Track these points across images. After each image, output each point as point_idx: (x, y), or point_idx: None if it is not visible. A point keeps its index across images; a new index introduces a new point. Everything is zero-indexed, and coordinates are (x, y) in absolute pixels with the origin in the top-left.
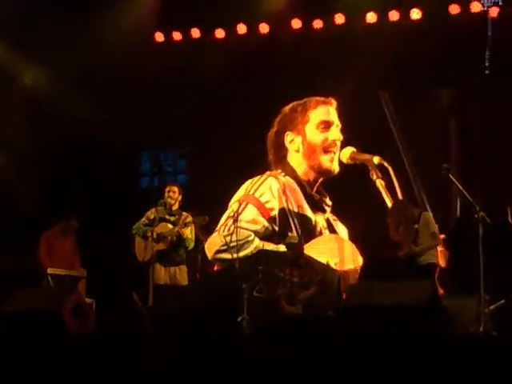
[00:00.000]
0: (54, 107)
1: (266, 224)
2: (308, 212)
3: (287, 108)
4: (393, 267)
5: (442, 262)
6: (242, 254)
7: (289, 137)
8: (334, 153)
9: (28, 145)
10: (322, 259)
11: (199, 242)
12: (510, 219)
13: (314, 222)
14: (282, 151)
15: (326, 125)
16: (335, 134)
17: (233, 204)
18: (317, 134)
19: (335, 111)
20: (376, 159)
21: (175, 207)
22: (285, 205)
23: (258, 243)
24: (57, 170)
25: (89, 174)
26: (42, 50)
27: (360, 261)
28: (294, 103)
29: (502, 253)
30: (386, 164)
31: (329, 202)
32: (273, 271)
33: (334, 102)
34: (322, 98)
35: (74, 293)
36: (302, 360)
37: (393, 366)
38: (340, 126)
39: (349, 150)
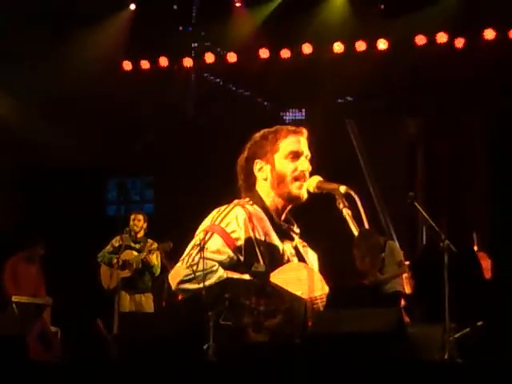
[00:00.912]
0: (19, 135)
1: (232, 254)
2: (275, 241)
3: (258, 135)
4: (358, 295)
5: (408, 289)
6: (206, 283)
7: (258, 165)
8: (304, 181)
9: None
10: (289, 287)
11: (165, 270)
12: (475, 245)
13: (281, 251)
14: (251, 178)
15: (295, 155)
16: (304, 164)
17: (199, 234)
18: (286, 163)
19: (306, 141)
20: (342, 188)
21: (140, 234)
22: (251, 234)
23: (221, 273)
24: (22, 196)
25: (55, 201)
26: (6, 77)
27: (326, 289)
28: (265, 130)
29: (468, 281)
30: (352, 193)
31: (296, 230)
32: (239, 299)
33: (304, 132)
34: (293, 128)
35: (39, 320)
36: None
37: None
38: (309, 156)
39: (315, 179)
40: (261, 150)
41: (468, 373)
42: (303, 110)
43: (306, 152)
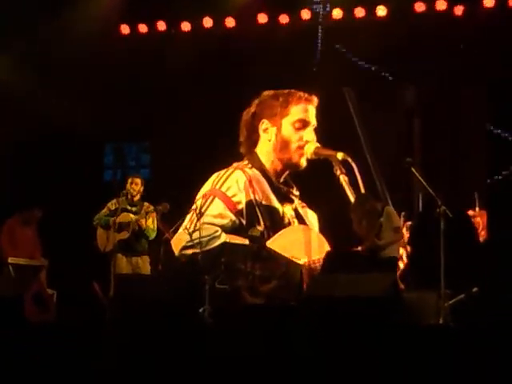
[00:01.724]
0: (17, 98)
1: (233, 218)
2: (275, 203)
3: (268, 93)
4: (355, 261)
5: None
6: (208, 248)
7: (264, 124)
8: (305, 150)
9: None
10: (290, 250)
11: (161, 233)
12: (477, 204)
13: (281, 213)
14: (253, 136)
15: (303, 124)
16: (309, 134)
17: (199, 198)
18: (292, 131)
19: (315, 110)
20: (340, 155)
21: (137, 198)
22: (252, 197)
23: (224, 239)
24: (20, 159)
25: (52, 164)
26: (4, 41)
27: (328, 250)
28: (278, 91)
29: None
30: (349, 160)
31: (296, 193)
32: (235, 264)
33: (315, 101)
34: (306, 95)
35: (36, 282)
36: (263, 349)
37: (353, 355)
38: (315, 125)
39: (313, 145)
40: (269, 111)
41: (462, 337)
42: None
43: (314, 122)
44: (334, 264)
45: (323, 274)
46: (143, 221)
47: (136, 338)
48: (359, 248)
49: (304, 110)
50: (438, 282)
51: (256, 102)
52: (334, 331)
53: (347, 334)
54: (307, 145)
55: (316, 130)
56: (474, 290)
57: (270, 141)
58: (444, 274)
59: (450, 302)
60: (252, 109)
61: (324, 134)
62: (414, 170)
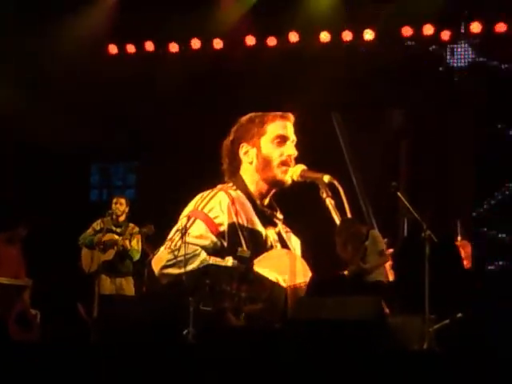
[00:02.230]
0: (2, 117)
1: (215, 239)
2: (258, 226)
3: (244, 118)
4: (340, 284)
5: (391, 277)
6: (188, 268)
7: (244, 148)
8: (288, 166)
9: None
10: (272, 274)
11: (146, 255)
12: (459, 234)
13: (264, 237)
14: (235, 162)
15: (282, 139)
16: (290, 149)
17: (182, 219)
18: (272, 148)
19: (292, 127)
20: (326, 178)
21: (122, 218)
22: (234, 219)
23: (204, 257)
24: (5, 178)
25: (38, 183)
26: None
27: (310, 275)
28: (252, 114)
29: (448, 272)
30: (335, 183)
31: (280, 216)
32: (220, 285)
33: (292, 118)
34: (280, 113)
35: (19, 301)
36: (248, 371)
37: (337, 379)
38: (295, 141)
39: (299, 168)
40: (247, 134)
41: (447, 362)
42: None
43: (293, 137)
44: (319, 287)
45: (308, 297)
46: (127, 242)
47: (119, 359)
48: (344, 272)
49: (281, 126)
50: (422, 307)
51: (234, 128)
52: (318, 354)
53: (331, 358)
54: (294, 167)
55: (297, 147)
56: (459, 315)
57: (251, 163)
58: (429, 299)
59: (435, 327)
60: (231, 137)
61: (310, 157)
62: (399, 194)
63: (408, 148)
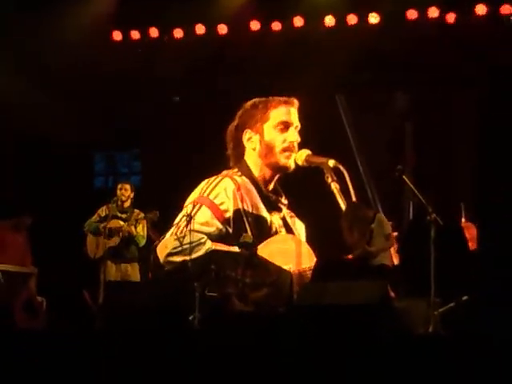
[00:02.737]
0: (7, 106)
1: (220, 226)
2: (263, 212)
3: (249, 104)
4: (345, 268)
5: (396, 261)
6: (193, 255)
7: (247, 134)
8: (291, 152)
9: None
10: (277, 259)
11: (151, 240)
12: (463, 216)
13: (269, 222)
14: (239, 148)
15: (285, 125)
16: (293, 135)
17: (187, 205)
18: (275, 134)
19: (296, 112)
20: (331, 162)
21: (127, 204)
22: (240, 206)
23: (209, 245)
24: (10, 167)
25: (43, 171)
26: None
27: (315, 260)
28: (256, 100)
29: (453, 255)
30: (341, 167)
31: (284, 201)
32: (225, 271)
33: (296, 103)
34: (284, 98)
35: (25, 289)
36: (253, 357)
37: (342, 363)
38: (299, 127)
39: (304, 153)
40: (251, 120)
41: (452, 345)
42: None
43: (296, 123)
44: (325, 272)
45: (313, 282)
46: (133, 227)
47: (125, 346)
48: (350, 256)
49: (284, 112)
50: (428, 290)
51: (238, 114)
52: (324, 339)
53: (337, 342)
54: (298, 152)
55: (300, 132)
56: (464, 298)
57: (254, 149)
58: (434, 282)
59: (440, 310)
60: (235, 122)
61: (315, 141)
62: (405, 177)
63: (413, 131)
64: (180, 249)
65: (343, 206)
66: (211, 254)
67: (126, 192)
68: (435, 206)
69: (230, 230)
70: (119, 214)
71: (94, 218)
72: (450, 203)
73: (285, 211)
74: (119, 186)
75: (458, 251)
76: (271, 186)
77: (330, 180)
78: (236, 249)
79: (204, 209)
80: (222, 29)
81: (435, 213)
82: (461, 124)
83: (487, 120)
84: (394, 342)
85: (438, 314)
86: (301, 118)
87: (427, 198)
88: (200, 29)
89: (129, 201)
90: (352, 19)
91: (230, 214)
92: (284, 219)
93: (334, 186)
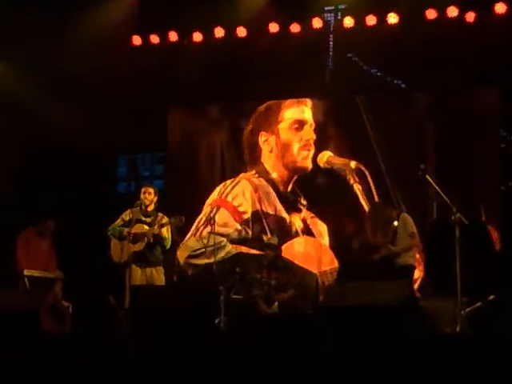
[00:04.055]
0: (32, 110)
1: (239, 227)
2: (283, 213)
3: (262, 107)
4: (370, 268)
5: (419, 268)
6: (214, 259)
7: (263, 137)
8: (308, 151)
9: (5, 148)
10: (297, 262)
11: (176, 244)
12: (483, 217)
13: (289, 223)
14: (256, 151)
15: (300, 124)
16: (308, 133)
17: (206, 207)
18: (290, 133)
19: (310, 111)
20: (353, 163)
21: (151, 208)
22: (258, 207)
23: (229, 248)
24: (33, 172)
25: (66, 177)
26: (16, 51)
27: (336, 263)
28: (269, 102)
29: (479, 255)
30: (362, 168)
31: (303, 202)
32: (250, 273)
33: (309, 102)
34: (296, 99)
35: (51, 294)
36: (280, 359)
37: (369, 364)
38: (314, 125)
39: (326, 155)
40: (265, 122)
41: (479, 346)
42: None
43: (311, 121)
44: (350, 273)
45: (339, 283)
46: (159, 230)
47: (151, 349)
48: (374, 256)
49: (298, 111)
50: (454, 290)
51: (252, 118)
52: (351, 340)
53: (364, 343)
54: (320, 154)
55: (315, 131)
56: (491, 297)
57: (271, 151)
58: (460, 282)
59: (467, 310)
60: (249, 126)
61: (337, 143)
62: (428, 177)
63: (435, 131)
64: (200, 251)
65: (366, 207)
66: (236, 256)
67: (149, 196)
68: (458, 207)
69: (249, 232)
70: (143, 218)
71: (118, 222)
72: (471, 204)
73: (305, 212)
74: (143, 190)
75: (484, 251)
76: (289, 188)
77: (352, 181)
78: (257, 252)
79: (222, 210)
80: (241, 31)
81: (460, 212)
82: (483, 122)
83: (509, 119)
84: (422, 342)
85: (465, 313)
86: (323, 120)
87: (451, 198)
88: (219, 32)
89: (152, 205)
90: (371, 19)
91: (248, 216)
92: (304, 220)
93: (357, 187)
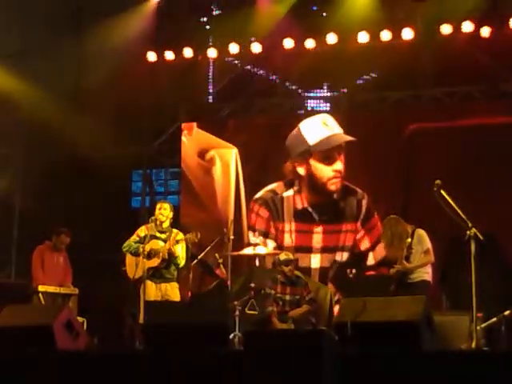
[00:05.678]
0: (46, 126)
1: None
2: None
3: None
4: (385, 283)
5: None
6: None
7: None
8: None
9: (24, 165)
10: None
11: (189, 260)
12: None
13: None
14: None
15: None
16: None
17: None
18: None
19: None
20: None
21: (166, 224)
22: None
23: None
24: (48, 187)
25: (81, 191)
26: (33, 69)
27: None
28: None
29: (495, 270)
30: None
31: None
32: (264, 289)
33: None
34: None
35: (65, 310)
36: (296, 376)
37: (385, 380)
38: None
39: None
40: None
41: (495, 361)
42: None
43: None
44: (365, 288)
45: (353, 299)
46: (173, 249)
47: (166, 365)
48: (390, 271)
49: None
50: (470, 306)
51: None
52: (365, 356)
53: (378, 358)
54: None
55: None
56: (507, 313)
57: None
58: (476, 297)
59: (483, 326)
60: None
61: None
62: (443, 192)
63: (450, 144)
64: None
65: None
66: (250, 271)
67: (165, 211)
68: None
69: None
70: (158, 235)
71: (133, 238)
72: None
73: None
74: (158, 206)
75: (499, 266)
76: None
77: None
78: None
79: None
80: (256, 47)
81: (475, 227)
82: (500, 132)
83: None
84: (437, 357)
85: (480, 329)
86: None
87: (467, 213)
88: (234, 48)
89: (167, 221)
90: (386, 35)
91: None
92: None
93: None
